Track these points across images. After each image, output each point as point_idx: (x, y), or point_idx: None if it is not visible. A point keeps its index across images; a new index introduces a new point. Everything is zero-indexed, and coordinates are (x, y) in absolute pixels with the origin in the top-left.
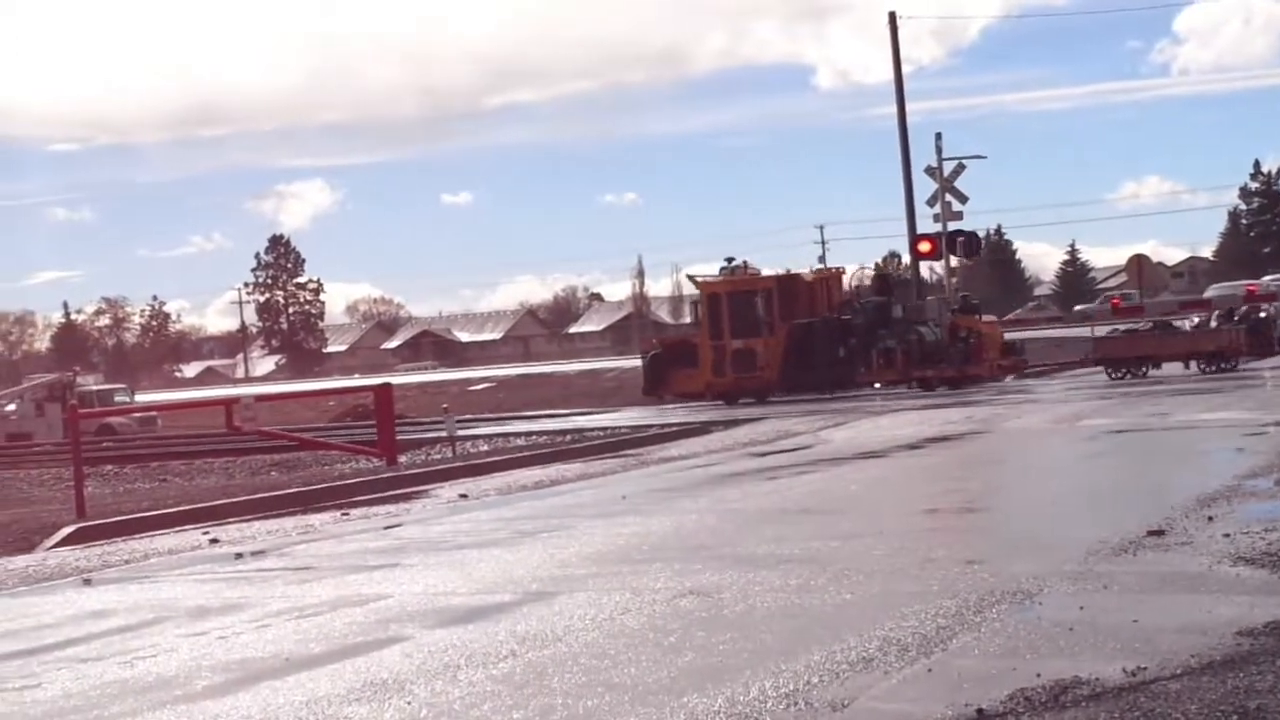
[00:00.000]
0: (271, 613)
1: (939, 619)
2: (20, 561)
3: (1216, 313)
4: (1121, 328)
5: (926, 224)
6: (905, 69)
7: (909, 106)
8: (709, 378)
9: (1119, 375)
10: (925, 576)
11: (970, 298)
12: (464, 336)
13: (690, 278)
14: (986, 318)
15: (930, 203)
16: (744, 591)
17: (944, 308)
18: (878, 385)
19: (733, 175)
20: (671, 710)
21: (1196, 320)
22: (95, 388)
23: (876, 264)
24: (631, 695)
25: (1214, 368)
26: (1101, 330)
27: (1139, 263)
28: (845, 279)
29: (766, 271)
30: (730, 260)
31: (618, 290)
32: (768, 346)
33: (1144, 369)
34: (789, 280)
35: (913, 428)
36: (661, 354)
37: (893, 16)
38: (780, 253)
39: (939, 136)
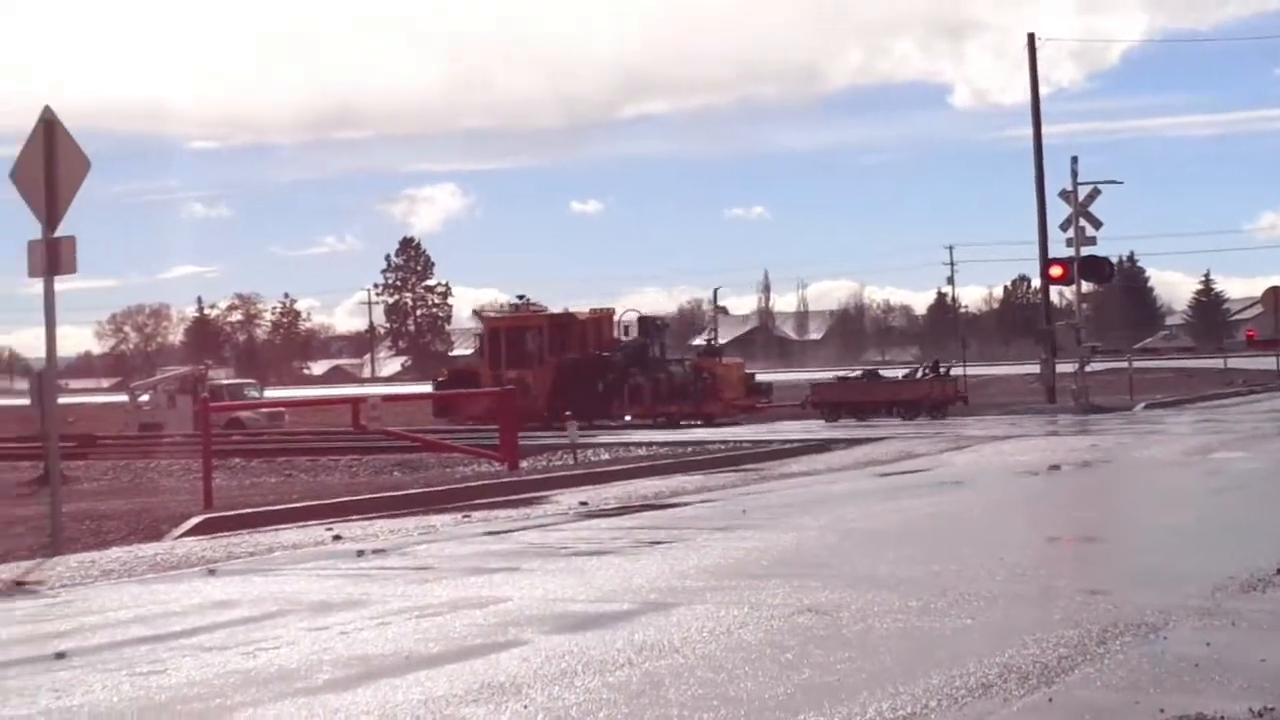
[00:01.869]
0: (392, 610)
1: (1060, 648)
2: (149, 550)
3: (920, 366)
4: (839, 374)
5: (1059, 248)
6: (1043, 91)
7: (1045, 129)
8: (488, 404)
9: (834, 419)
10: (1047, 605)
11: (713, 341)
12: None
13: (476, 312)
14: (730, 360)
15: (1063, 227)
16: (863, 611)
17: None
18: (628, 418)
19: (863, 192)
20: None
21: (906, 371)
22: (226, 382)
23: (639, 313)
24: (747, 710)
25: (912, 416)
26: (1236, 362)
27: (1275, 295)
28: (616, 319)
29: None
30: (521, 298)
31: (743, 304)
32: (538, 378)
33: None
34: (562, 319)
35: (1037, 454)
36: (448, 381)
37: (1031, 38)
38: (907, 273)
39: (1074, 160)
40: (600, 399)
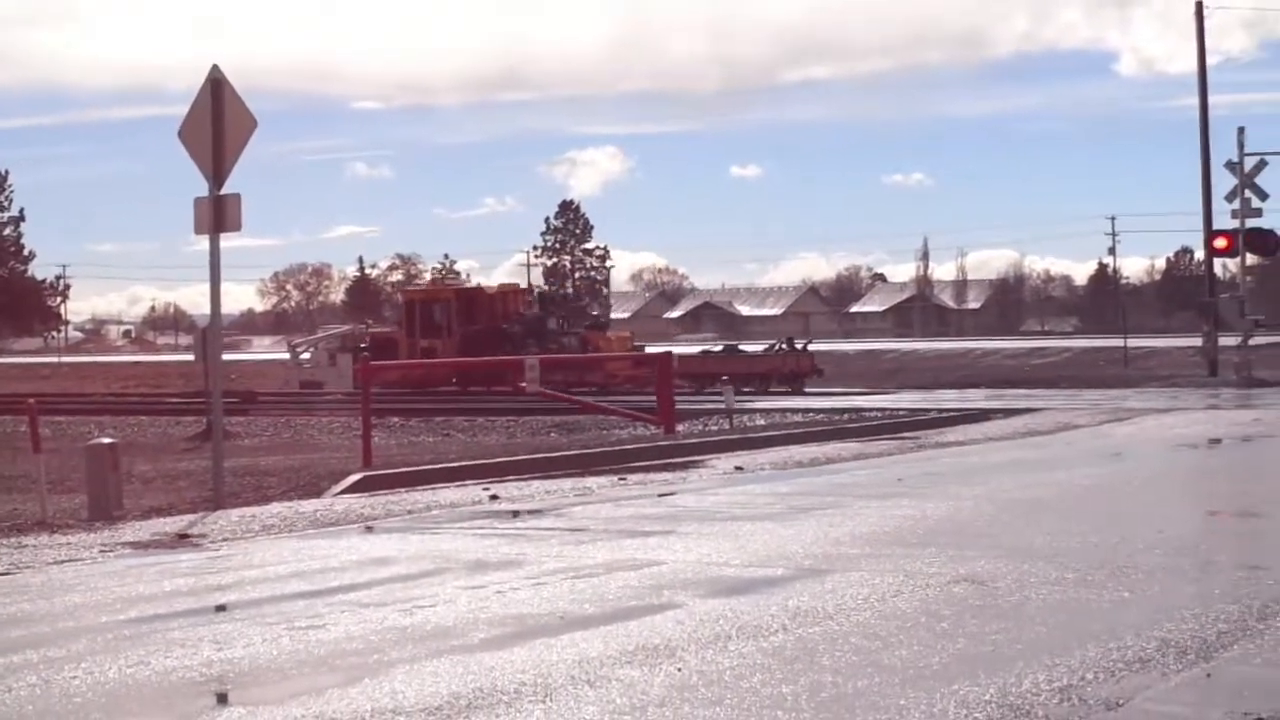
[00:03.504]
0: (547, 571)
1: (1220, 624)
2: (309, 506)
3: (776, 343)
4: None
5: (1224, 220)
6: (1211, 60)
7: (1212, 99)
8: (402, 374)
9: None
10: (1206, 579)
11: (600, 316)
12: (745, 310)
13: (398, 286)
14: (617, 333)
15: (1229, 198)
16: (1019, 582)
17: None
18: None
19: (1025, 160)
20: (942, 696)
21: (765, 346)
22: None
23: (539, 286)
24: (902, 678)
25: (764, 388)
26: None
27: None
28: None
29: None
30: (445, 271)
31: (901, 271)
32: (445, 347)
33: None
34: (470, 292)
35: (1198, 427)
36: (373, 347)
37: (1199, 6)
38: (1068, 243)
39: (1241, 131)
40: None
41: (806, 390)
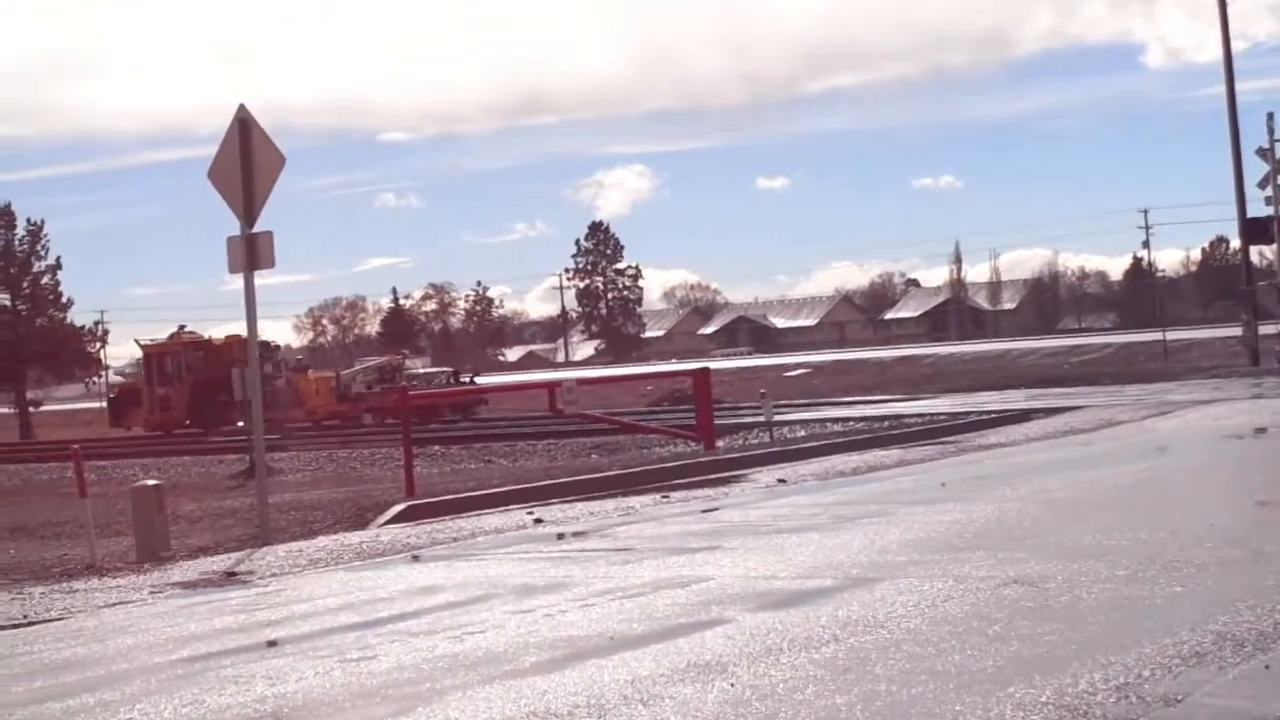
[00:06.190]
0: (595, 592)
1: (1276, 614)
2: (355, 538)
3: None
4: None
5: (1257, 207)
6: (1238, 46)
7: (1241, 85)
8: (146, 415)
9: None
10: (1260, 570)
11: (303, 361)
12: (780, 322)
13: (138, 341)
14: (320, 374)
15: (1261, 185)
16: (1070, 581)
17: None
18: (240, 424)
19: (1055, 157)
20: (998, 700)
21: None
22: (423, 370)
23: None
24: (956, 683)
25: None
26: None
27: None
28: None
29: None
30: (182, 327)
31: (934, 276)
32: (178, 393)
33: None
34: (198, 345)
35: (1242, 418)
36: (120, 396)
37: None
38: (1102, 239)
39: (1270, 116)
40: (222, 408)
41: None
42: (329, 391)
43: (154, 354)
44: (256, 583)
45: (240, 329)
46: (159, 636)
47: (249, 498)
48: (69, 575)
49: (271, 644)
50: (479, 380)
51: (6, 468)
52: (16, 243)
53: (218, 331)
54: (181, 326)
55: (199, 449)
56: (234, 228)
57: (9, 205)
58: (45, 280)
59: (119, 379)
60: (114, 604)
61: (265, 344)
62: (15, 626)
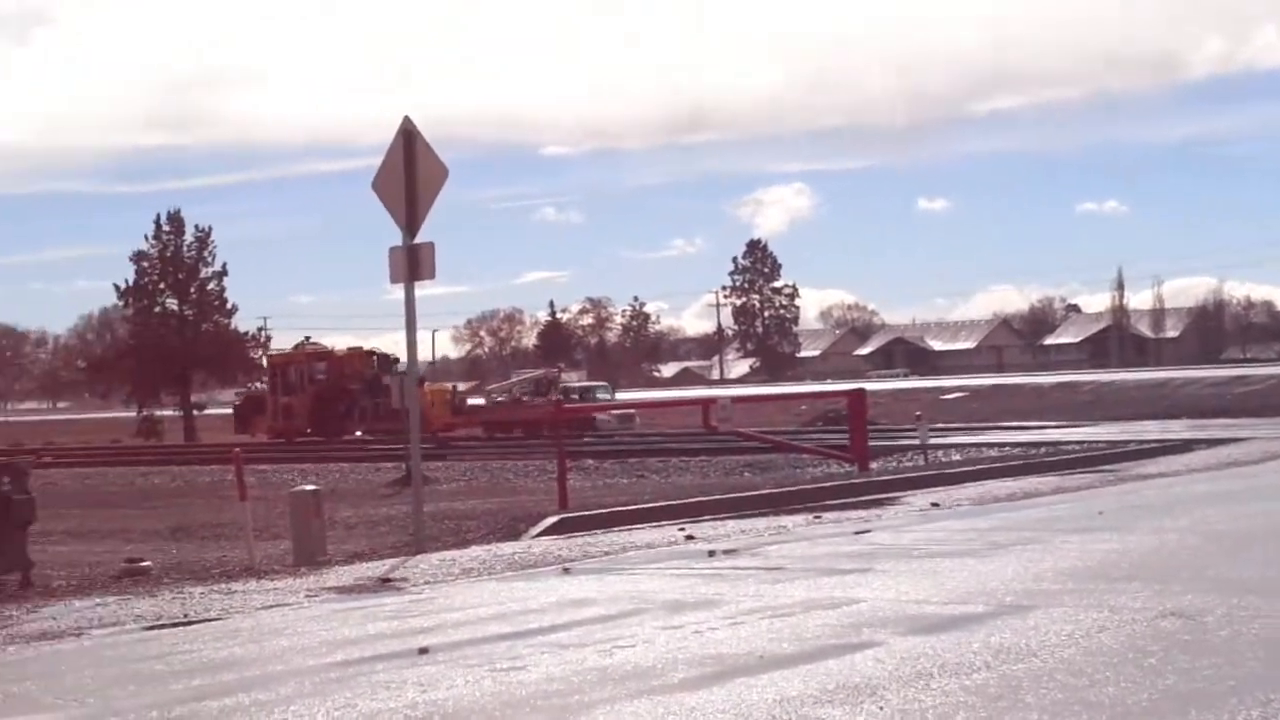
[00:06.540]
0: (744, 610)
1: None
2: (507, 548)
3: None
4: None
5: None
6: None
7: None
8: (270, 422)
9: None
10: None
11: (420, 375)
12: (937, 345)
13: (265, 354)
14: (437, 386)
15: None
16: (1229, 616)
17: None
18: (359, 433)
19: (1223, 184)
20: None
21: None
22: (578, 384)
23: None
24: (1109, 715)
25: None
26: None
27: None
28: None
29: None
30: (307, 338)
31: (1095, 302)
32: (300, 402)
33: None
34: (320, 356)
35: None
36: (245, 404)
37: None
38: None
39: None
40: (341, 418)
41: (995, 425)
42: (444, 404)
43: (279, 364)
44: (410, 590)
45: (400, 339)
46: (313, 640)
47: (404, 505)
48: (228, 576)
49: (423, 651)
50: (619, 395)
51: (170, 469)
52: (185, 249)
53: (378, 341)
54: (306, 338)
55: (357, 456)
56: (396, 238)
57: (178, 212)
58: (211, 286)
59: (253, 387)
60: (271, 606)
61: (385, 356)
62: (175, 625)
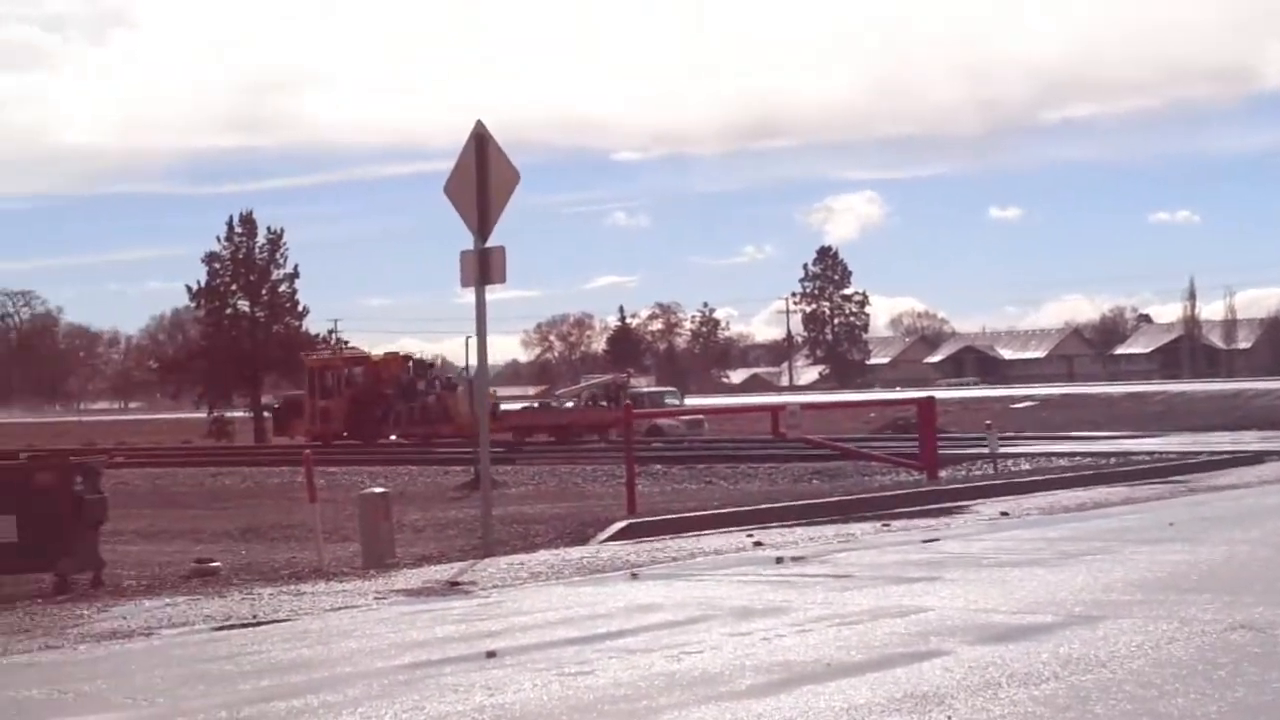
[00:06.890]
0: (812, 618)
1: None
2: (576, 553)
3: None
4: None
5: None
6: None
7: None
8: (308, 425)
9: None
10: None
11: (453, 379)
12: (1007, 354)
13: (304, 356)
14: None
15: None
16: None
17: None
18: (394, 437)
19: None
20: None
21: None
22: (647, 389)
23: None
24: None
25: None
26: None
27: None
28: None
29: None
30: (345, 343)
31: (1167, 312)
32: (338, 406)
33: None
34: (357, 360)
35: None
36: (284, 407)
37: None
38: None
39: None
40: (377, 421)
41: (1065, 435)
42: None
43: (316, 368)
44: (478, 593)
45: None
46: (382, 642)
47: (473, 509)
48: (297, 578)
49: (491, 655)
50: (688, 401)
51: (240, 470)
52: (257, 251)
53: (447, 345)
54: (344, 342)
55: (425, 459)
56: (467, 241)
57: (250, 213)
58: (283, 288)
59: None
60: (339, 608)
61: (421, 361)
62: (245, 626)
